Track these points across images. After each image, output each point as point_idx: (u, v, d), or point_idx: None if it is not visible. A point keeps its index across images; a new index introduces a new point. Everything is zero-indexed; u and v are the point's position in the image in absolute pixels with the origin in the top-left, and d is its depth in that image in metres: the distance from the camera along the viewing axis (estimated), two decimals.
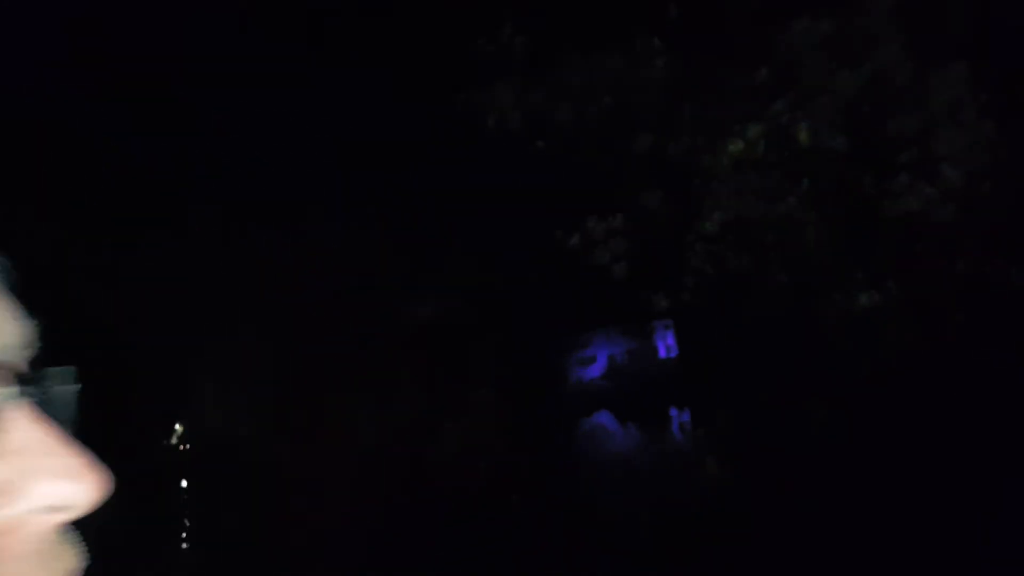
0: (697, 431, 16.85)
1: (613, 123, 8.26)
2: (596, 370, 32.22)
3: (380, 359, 24.29)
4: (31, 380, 0.55)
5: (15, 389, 0.53)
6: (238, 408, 23.10)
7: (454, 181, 21.44)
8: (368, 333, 24.09)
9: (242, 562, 7.04)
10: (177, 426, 26.22)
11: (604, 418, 22.99)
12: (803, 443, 8.33)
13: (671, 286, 6.99)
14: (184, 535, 9.62)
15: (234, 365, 23.21)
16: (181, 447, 25.86)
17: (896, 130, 4.53)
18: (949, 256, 4.89)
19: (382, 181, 22.47)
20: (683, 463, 10.60)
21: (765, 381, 17.70)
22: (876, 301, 5.03)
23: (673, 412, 20.95)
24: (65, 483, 0.53)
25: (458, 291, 23.82)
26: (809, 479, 6.41)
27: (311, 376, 22.80)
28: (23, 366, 0.56)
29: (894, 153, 4.68)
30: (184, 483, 19.23)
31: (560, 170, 17.04)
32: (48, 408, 0.56)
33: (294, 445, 21.30)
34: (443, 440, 18.57)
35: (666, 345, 31.57)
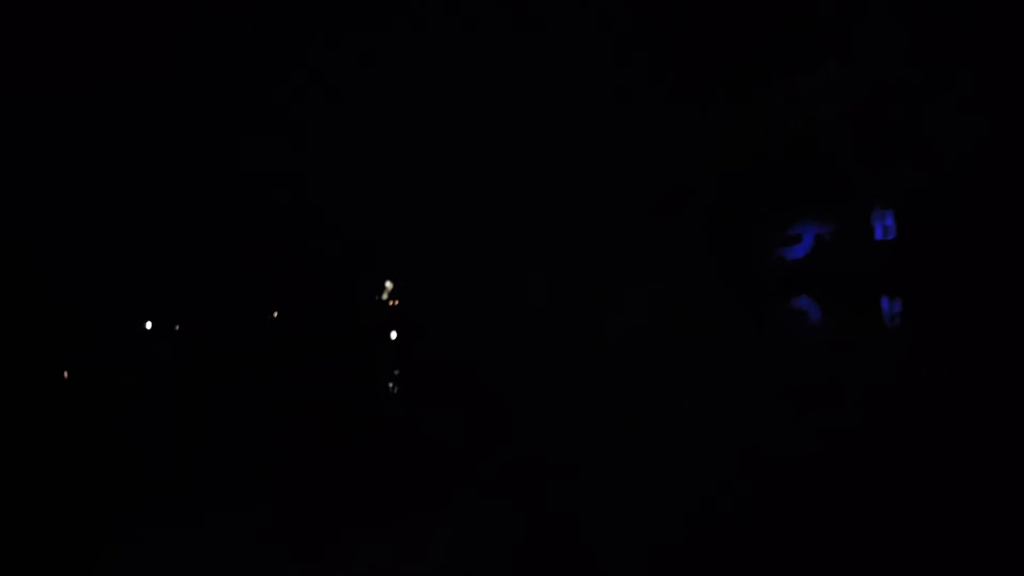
0: (912, 327, 15.42)
1: None
2: (800, 250, 30.11)
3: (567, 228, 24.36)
4: None
5: None
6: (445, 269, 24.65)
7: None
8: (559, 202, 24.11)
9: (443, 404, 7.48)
10: (388, 283, 28.46)
11: (804, 303, 21.71)
12: None
13: (910, 154, 5.70)
14: (392, 380, 10.48)
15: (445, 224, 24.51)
16: (391, 303, 28.19)
17: None
18: None
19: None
20: (890, 364, 9.55)
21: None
22: None
23: (884, 303, 19.30)
24: None
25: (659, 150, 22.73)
26: None
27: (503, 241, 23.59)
28: None
29: None
30: (394, 335, 21.01)
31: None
32: None
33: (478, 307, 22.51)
34: (624, 313, 18.61)
35: (884, 226, 28.66)
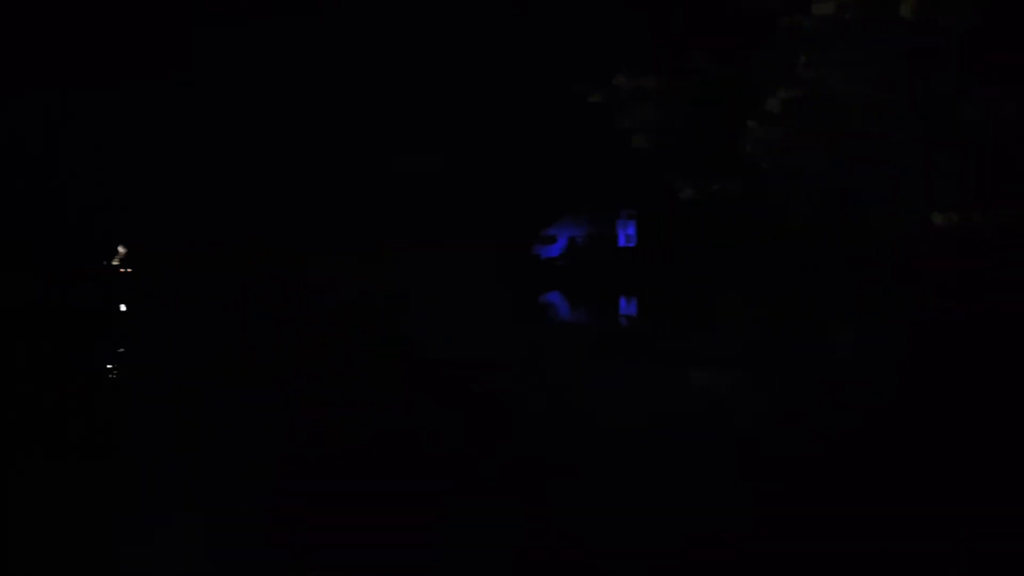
0: (642, 322, 17.06)
1: None
2: (555, 250, 32.28)
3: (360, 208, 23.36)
4: None
5: None
6: (190, 236, 22.20)
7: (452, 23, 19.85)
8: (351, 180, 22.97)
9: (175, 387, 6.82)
10: (120, 248, 24.68)
11: (554, 297, 23.19)
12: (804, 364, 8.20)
13: (701, 170, 6.27)
14: (114, 357, 9.16)
15: (193, 192, 22.10)
16: (123, 270, 24.56)
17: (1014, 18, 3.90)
18: None
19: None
20: (621, 352, 10.57)
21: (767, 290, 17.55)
22: (953, 223, 4.68)
23: (622, 301, 21.30)
24: None
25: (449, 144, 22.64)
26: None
27: (279, 217, 21.95)
28: None
29: (992, 48, 4.11)
30: (124, 307, 18.47)
31: (586, 12, 15.78)
32: None
33: (249, 280, 20.86)
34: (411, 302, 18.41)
35: (626, 235, 31.80)
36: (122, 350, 10.05)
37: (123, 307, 18.55)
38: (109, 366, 8.56)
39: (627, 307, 20.07)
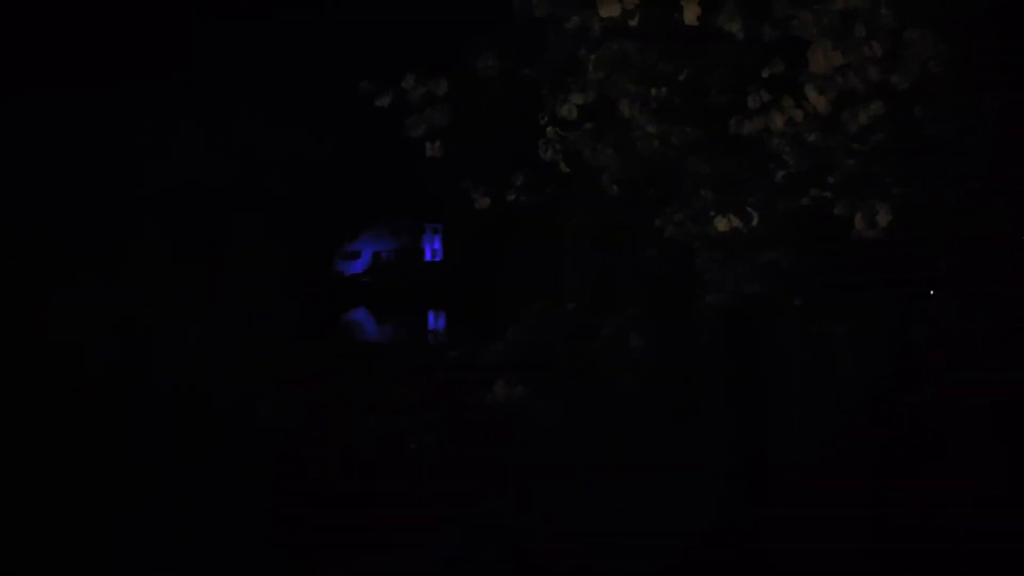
0: (451, 336, 16.96)
1: None
2: (359, 266, 31.30)
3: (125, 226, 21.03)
4: None
5: None
6: None
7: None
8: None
9: None
10: None
11: (360, 315, 22.54)
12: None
13: (498, 179, 6.00)
14: None
15: None
16: None
17: (791, 30, 4.04)
18: (803, 190, 4.73)
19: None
20: (433, 364, 10.46)
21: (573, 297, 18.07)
22: (735, 225, 4.77)
23: (431, 315, 21.11)
24: None
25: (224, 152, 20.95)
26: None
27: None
28: None
29: (766, 60, 4.27)
30: None
31: (375, 12, 15.34)
32: None
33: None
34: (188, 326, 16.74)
35: (432, 249, 31.64)
36: None
37: None
38: None
39: (435, 322, 19.83)
